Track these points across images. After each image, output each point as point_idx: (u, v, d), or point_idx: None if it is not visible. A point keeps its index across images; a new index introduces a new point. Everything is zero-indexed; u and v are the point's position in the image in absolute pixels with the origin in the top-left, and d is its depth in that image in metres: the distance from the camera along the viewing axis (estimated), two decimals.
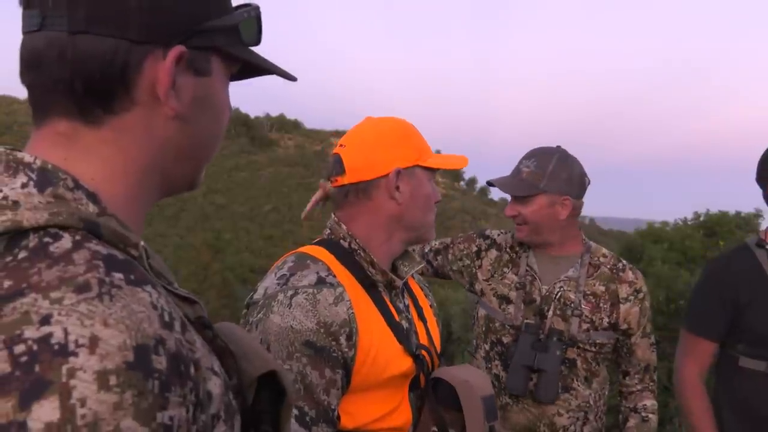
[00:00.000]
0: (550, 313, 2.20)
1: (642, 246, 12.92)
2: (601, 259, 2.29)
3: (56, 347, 0.55)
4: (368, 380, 1.41)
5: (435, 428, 1.47)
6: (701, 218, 13.04)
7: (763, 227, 2.40)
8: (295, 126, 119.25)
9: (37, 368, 0.54)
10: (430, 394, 1.50)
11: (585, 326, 2.19)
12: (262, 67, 0.83)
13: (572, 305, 2.20)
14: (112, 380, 0.55)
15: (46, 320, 0.56)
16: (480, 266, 2.33)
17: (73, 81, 0.70)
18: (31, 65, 0.72)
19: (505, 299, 2.26)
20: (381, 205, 1.51)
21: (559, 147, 2.29)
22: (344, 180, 1.51)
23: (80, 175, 0.70)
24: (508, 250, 2.34)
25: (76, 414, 0.53)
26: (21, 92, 0.76)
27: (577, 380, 2.20)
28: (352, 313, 1.40)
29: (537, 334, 2.17)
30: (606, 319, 2.21)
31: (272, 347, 1.35)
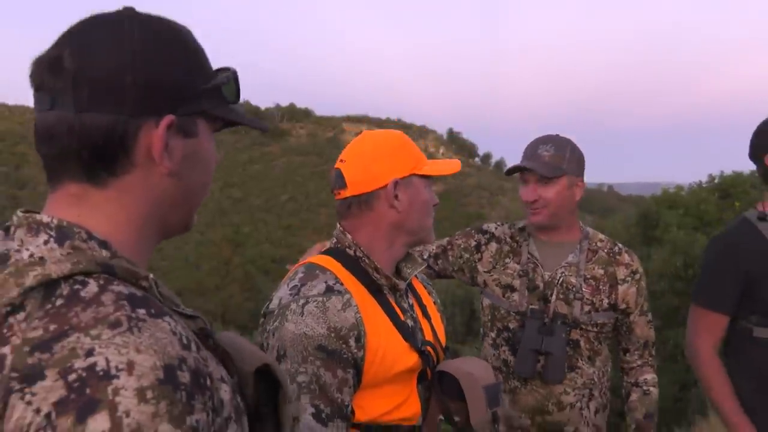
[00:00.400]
0: (554, 297, 2.31)
1: (657, 212, 12.92)
2: (599, 244, 2.40)
3: (101, 373, 0.69)
4: (378, 377, 1.54)
5: (442, 417, 1.60)
6: (716, 180, 13.01)
7: None
8: (306, 114, 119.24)
9: (88, 391, 0.68)
10: (436, 386, 1.63)
11: (587, 308, 2.31)
12: (242, 123, 0.97)
13: (574, 289, 2.31)
14: (149, 394, 0.69)
15: (90, 353, 0.70)
16: (480, 259, 2.44)
17: (81, 151, 0.84)
18: (44, 138, 0.86)
19: (509, 287, 2.37)
20: (382, 214, 1.64)
21: (558, 135, 2.38)
22: (346, 193, 1.64)
23: (91, 228, 0.84)
24: (508, 240, 2.44)
25: (122, 423, 0.68)
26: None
27: (581, 359, 2.31)
28: (360, 317, 1.53)
29: (542, 319, 2.28)
30: (606, 301, 2.33)
31: (288, 353, 1.49)
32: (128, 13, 0.88)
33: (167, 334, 0.75)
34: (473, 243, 2.47)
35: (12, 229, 0.83)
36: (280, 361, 1.50)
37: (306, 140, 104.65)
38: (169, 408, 0.70)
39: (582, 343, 2.31)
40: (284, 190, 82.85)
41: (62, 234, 0.81)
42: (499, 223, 2.53)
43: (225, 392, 0.81)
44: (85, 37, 0.85)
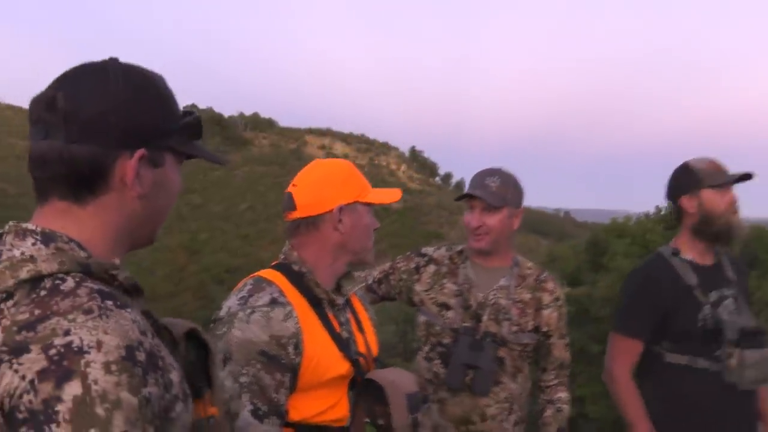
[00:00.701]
0: (485, 317, 2.52)
1: (606, 241, 13.38)
2: (527, 271, 2.64)
3: (76, 349, 0.88)
4: (312, 381, 1.74)
5: (368, 420, 1.79)
6: (662, 212, 13.54)
7: None
8: (269, 124, 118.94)
9: (65, 363, 0.87)
10: (364, 393, 1.82)
11: (514, 329, 2.52)
12: (202, 157, 1.17)
13: (504, 310, 2.53)
14: (113, 368, 0.88)
15: (67, 333, 0.89)
16: (418, 279, 2.63)
17: (68, 174, 1.03)
18: (37, 163, 1.05)
19: (444, 306, 2.57)
20: (327, 235, 1.85)
21: (502, 168, 2.61)
22: (296, 214, 1.85)
23: (73, 236, 1.03)
24: (446, 262, 2.64)
25: (92, 389, 0.86)
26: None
27: (505, 376, 2.52)
28: (299, 327, 1.73)
29: (474, 336, 2.49)
30: (531, 323, 2.55)
31: (234, 356, 1.68)
32: (112, 63, 1.08)
33: (129, 321, 0.93)
34: (413, 265, 2.67)
35: (3, 235, 1.02)
36: (226, 362, 1.68)
37: (269, 150, 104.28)
38: (129, 379, 0.88)
39: (507, 361, 2.52)
40: (244, 199, 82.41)
41: (47, 237, 1.00)
42: (437, 247, 2.74)
43: (174, 375, 1.00)
44: (76, 82, 1.05)
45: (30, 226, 1.02)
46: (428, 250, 2.74)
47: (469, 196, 2.54)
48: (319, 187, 1.85)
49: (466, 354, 2.46)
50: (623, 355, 2.65)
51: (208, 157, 1.19)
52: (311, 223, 1.85)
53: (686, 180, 2.65)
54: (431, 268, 2.65)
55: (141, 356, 0.91)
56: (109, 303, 0.94)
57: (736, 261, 2.80)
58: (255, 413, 1.66)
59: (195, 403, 1.10)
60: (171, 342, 1.10)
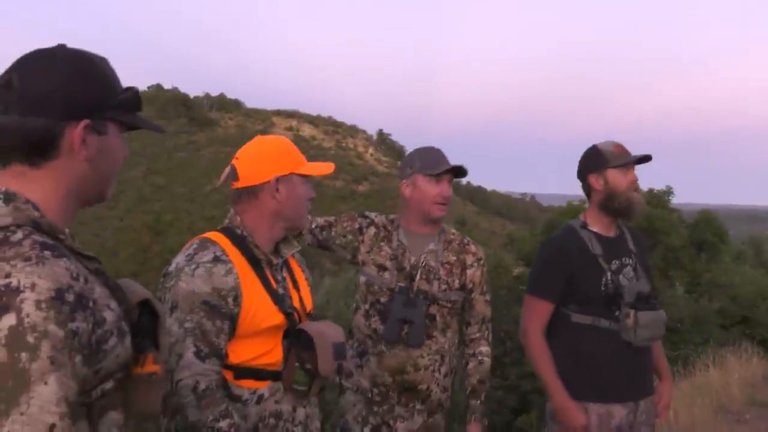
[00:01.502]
0: (418, 277, 2.80)
1: (562, 223, 13.81)
2: (451, 236, 2.94)
3: (13, 288, 1.08)
4: (249, 330, 1.98)
5: (298, 364, 2.04)
6: None
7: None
8: (236, 105, 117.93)
9: (4, 299, 1.07)
10: (295, 341, 2.06)
11: (443, 287, 2.82)
12: (141, 126, 1.40)
13: (434, 271, 2.82)
14: (44, 305, 1.08)
15: (8, 275, 1.09)
16: (362, 241, 2.89)
17: (23, 143, 1.24)
18: None
19: (382, 267, 2.84)
20: (265, 203, 2.10)
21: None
22: (238, 184, 2.10)
23: (29, 196, 1.24)
24: (383, 228, 2.91)
25: (24, 321, 1.05)
26: None
27: (436, 330, 2.81)
28: (238, 282, 1.97)
29: (408, 294, 2.77)
30: (457, 282, 2.85)
31: (179, 305, 1.92)
32: (60, 49, 1.30)
33: (62, 269, 1.12)
34: (356, 226, 2.93)
35: None
36: (173, 311, 1.91)
37: (234, 131, 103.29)
38: (56, 315, 1.08)
39: (437, 317, 2.81)
40: (209, 181, 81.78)
41: (8, 196, 1.21)
42: (377, 214, 3.01)
43: (109, 314, 1.21)
44: (29, 65, 1.26)
45: None
46: (371, 214, 3.00)
47: (455, 169, 2.83)
48: (258, 160, 2.10)
49: (401, 310, 2.73)
50: (536, 315, 2.94)
51: (146, 125, 1.41)
52: (251, 192, 2.10)
53: (594, 160, 2.94)
54: (372, 230, 2.90)
55: (70, 297, 1.11)
56: (47, 253, 1.13)
57: (636, 234, 3.12)
58: (198, 354, 1.90)
59: (139, 359, 1.31)
60: (123, 300, 1.30)
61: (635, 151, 2.98)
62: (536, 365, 2.93)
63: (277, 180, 2.08)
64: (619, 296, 2.83)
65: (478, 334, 2.93)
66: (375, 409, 2.80)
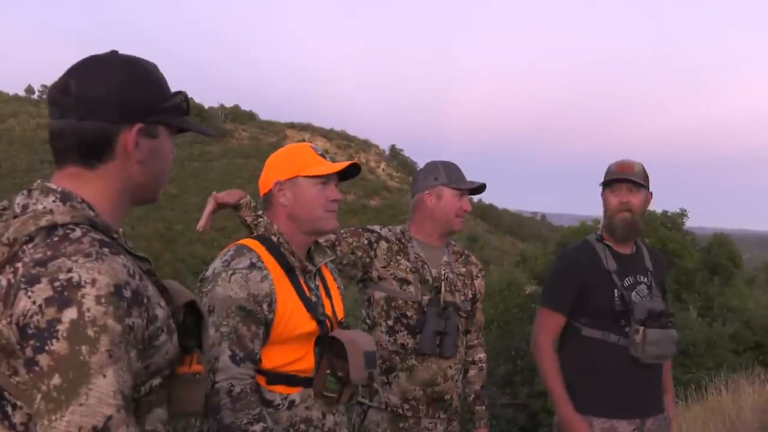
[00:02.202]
0: (443, 289, 2.84)
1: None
2: (455, 248, 3.02)
3: (75, 283, 1.12)
4: (282, 336, 2.02)
5: (329, 371, 2.07)
6: None
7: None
8: (249, 117, 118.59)
9: (66, 293, 1.11)
10: (327, 349, 2.10)
11: (462, 297, 2.88)
12: (190, 129, 1.44)
13: (454, 283, 2.88)
14: (103, 300, 1.12)
15: (69, 270, 1.13)
16: (375, 256, 2.84)
17: (80, 146, 1.29)
18: (55, 137, 1.31)
19: (404, 281, 2.83)
20: (278, 209, 2.15)
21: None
22: (260, 194, 2.18)
23: (84, 196, 1.29)
24: (395, 241, 2.89)
25: (85, 315, 1.10)
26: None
27: (458, 340, 2.86)
28: (273, 288, 2.01)
29: (438, 306, 2.80)
30: (470, 292, 2.94)
31: (216, 309, 1.97)
32: (113, 55, 1.35)
33: (120, 266, 1.16)
34: (365, 241, 2.85)
35: (32, 191, 1.29)
36: (209, 315, 1.95)
37: (248, 143, 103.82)
38: (115, 310, 1.12)
39: (459, 327, 2.87)
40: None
41: (65, 196, 1.26)
42: (382, 226, 3.00)
43: (160, 312, 1.26)
44: (85, 71, 1.31)
45: (53, 185, 1.28)
46: (375, 227, 2.96)
47: (478, 187, 2.91)
48: (266, 168, 2.20)
49: (436, 322, 2.77)
50: (547, 327, 2.98)
51: (196, 128, 1.46)
52: (266, 200, 2.18)
53: (605, 178, 3.00)
54: (383, 244, 2.86)
55: (127, 293, 1.15)
56: (106, 250, 1.18)
57: (656, 253, 3.17)
58: (233, 358, 1.94)
59: (184, 359, 1.35)
60: (170, 300, 1.34)
61: (650, 171, 3.00)
62: (544, 377, 2.97)
63: (280, 185, 2.13)
64: (630, 312, 2.85)
65: (476, 341, 3.02)
66: (401, 425, 2.78)
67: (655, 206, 13.97)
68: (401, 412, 2.77)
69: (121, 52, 1.37)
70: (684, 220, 20.40)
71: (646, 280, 2.96)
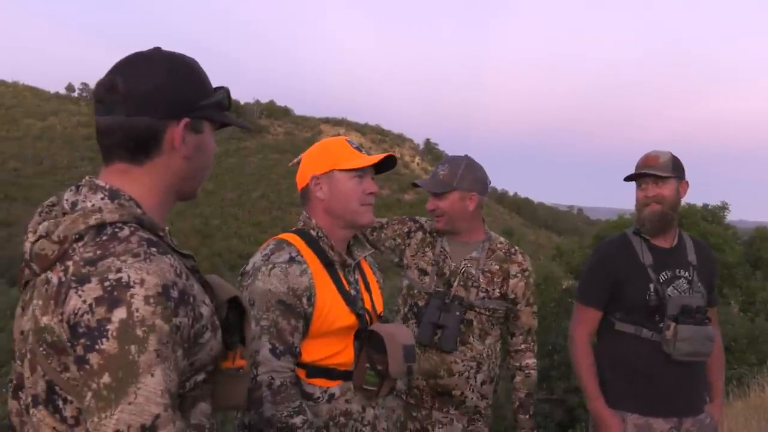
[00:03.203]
0: (455, 283, 2.85)
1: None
2: (498, 245, 2.97)
3: (124, 283, 1.14)
4: (321, 329, 2.03)
5: (368, 365, 2.08)
6: None
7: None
8: (284, 112, 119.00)
9: (115, 293, 1.14)
10: (366, 342, 2.10)
11: (481, 295, 2.86)
12: (232, 124, 1.46)
13: (472, 278, 2.87)
14: (152, 300, 1.15)
15: (119, 270, 1.16)
16: (409, 245, 2.97)
17: (128, 142, 1.31)
18: (103, 133, 1.33)
19: (423, 272, 2.91)
20: (315, 204, 2.17)
21: (466, 155, 2.96)
22: (298, 189, 2.19)
23: (131, 193, 1.31)
24: (429, 233, 2.98)
25: (134, 315, 1.13)
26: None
27: (472, 336, 2.85)
28: (312, 282, 2.02)
29: (443, 299, 2.82)
30: (498, 291, 2.88)
31: (256, 303, 1.99)
32: (157, 52, 1.36)
33: (167, 265, 1.19)
34: (405, 229, 3.01)
35: (80, 187, 1.31)
36: (250, 309, 1.96)
37: (283, 138, 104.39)
38: (162, 310, 1.14)
39: (474, 323, 2.85)
40: (257, 187, 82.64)
41: (113, 194, 1.28)
42: (428, 219, 3.05)
43: (205, 310, 1.28)
44: (131, 68, 1.33)
45: (101, 183, 1.30)
46: (421, 219, 3.06)
47: (415, 186, 2.95)
48: (303, 163, 2.20)
49: (434, 314, 2.80)
50: (582, 322, 2.95)
51: (237, 123, 1.48)
52: (303, 195, 2.19)
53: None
54: (419, 234, 2.98)
55: (174, 293, 1.18)
56: (153, 250, 1.20)
57: (702, 247, 3.07)
58: (273, 351, 1.96)
59: (228, 354, 1.37)
60: (213, 296, 1.36)
61: (686, 164, 2.95)
62: (577, 370, 2.94)
63: (316, 179, 2.13)
64: (663, 307, 2.80)
65: (523, 346, 2.94)
66: (414, 414, 2.85)
67: (696, 199, 13.71)
68: (405, 398, 2.85)
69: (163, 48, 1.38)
70: (725, 214, 20.00)
71: (687, 274, 2.89)
